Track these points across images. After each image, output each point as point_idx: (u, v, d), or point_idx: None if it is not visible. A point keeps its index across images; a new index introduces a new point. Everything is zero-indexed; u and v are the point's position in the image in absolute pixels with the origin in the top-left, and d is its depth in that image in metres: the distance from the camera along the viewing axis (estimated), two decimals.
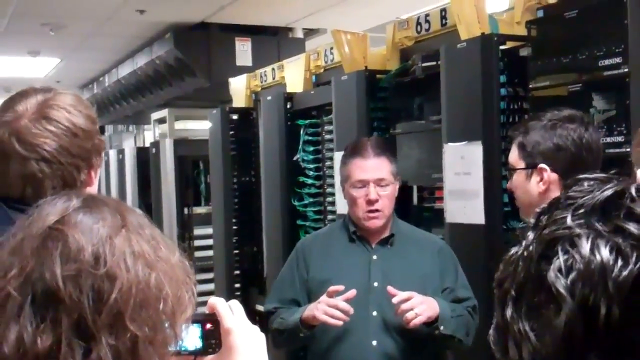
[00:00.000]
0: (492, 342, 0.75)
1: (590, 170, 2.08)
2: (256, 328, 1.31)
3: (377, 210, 2.67)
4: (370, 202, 2.66)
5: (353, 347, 2.65)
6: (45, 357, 0.91)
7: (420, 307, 2.49)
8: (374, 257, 2.72)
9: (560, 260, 0.67)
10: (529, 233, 0.73)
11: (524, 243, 0.73)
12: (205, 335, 1.27)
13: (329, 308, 2.50)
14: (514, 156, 2.16)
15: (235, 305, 1.31)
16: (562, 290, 0.65)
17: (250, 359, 1.28)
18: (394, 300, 2.50)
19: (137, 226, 1.02)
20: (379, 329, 2.64)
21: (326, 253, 2.78)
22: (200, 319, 1.26)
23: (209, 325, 1.27)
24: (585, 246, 0.66)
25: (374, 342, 2.64)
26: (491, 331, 0.76)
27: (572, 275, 0.66)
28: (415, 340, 2.62)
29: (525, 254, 0.72)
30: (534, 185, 2.10)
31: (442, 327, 2.55)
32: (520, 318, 0.69)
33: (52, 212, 0.99)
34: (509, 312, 0.71)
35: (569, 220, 0.69)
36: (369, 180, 2.67)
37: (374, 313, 2.64)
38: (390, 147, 2.93)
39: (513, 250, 0.74)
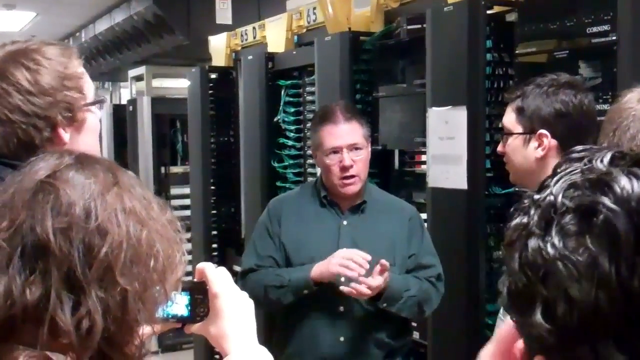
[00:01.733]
0: (509, 300, 0.73)
1: (588, 138, 2.09)
2: (244, 294, 1.31)
3: (352, 176, 2.65)
4: (344, 169, 2.64)
5: (320, 314, 2.67)
6: (34, 308, 0.92)
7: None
8: (344, 222, 2.72)
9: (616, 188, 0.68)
10: (549, 181, 0.73)
11: (549, 190, 0.72)
12: (193, 303, 1.27)
13: (345, 260, 2.51)
14: (511, 120, 2.12)
15: (223, 271, 1.30)
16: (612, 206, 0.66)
17: (238, 324, 1.28)
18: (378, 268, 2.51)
19: (128, 185, 1.02)
20: (346, 296, 2.64)
21: (297, 216, 2.77)
22: (188, 287, 1.25)
23: (197, 293, 1.27)
24: (626, 180, 0.68)
25: (341, 308, 2.66)
26: (505, 292, 0.74)
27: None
28: (381, 309, 2.65)
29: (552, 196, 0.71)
30: (532, 151, 2.07)
31: (384, 305, 2.59)
32: (554, 246, 0.67)
33: (44, 167, 1.00)
34: (536, 246, 0.69)
35: (600, 165, 0.71)
36: (341, 146, 2.64)
37: (342, 279, 2.64)
38: (359, 111, 2.88)
39: (525, 201, 0.74)
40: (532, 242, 0.69)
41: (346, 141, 2.64)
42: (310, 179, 4.12)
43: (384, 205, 2.79)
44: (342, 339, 2.65)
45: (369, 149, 2.73)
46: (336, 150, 2.64)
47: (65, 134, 1.62)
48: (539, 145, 2.06)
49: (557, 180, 0.72)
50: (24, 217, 0.94)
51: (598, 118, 2.37)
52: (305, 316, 2.69)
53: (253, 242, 2.84)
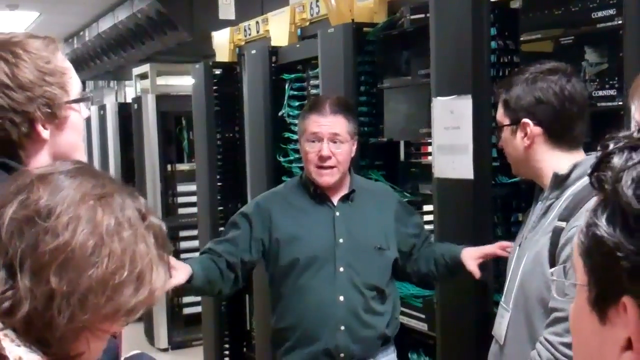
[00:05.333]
0: (616, 222, 0.74)
1: (575, 122, 2.12)
2: None
3: (329, 167, 2.67)
4: (322, 158, 2.66)
5: (320, 304, 2.69)
6: None
7: None
8: (337, 213, 2.76)
9: None
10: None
11: None
12: None
13: None
14: (500, 113, 2.17)
15: None
16: None
17: None
18: None
19: (116, 206, 1.08)
20: (346, 285, 2.69)
21: (288, 211, 2.78)
22: None
23: None
24: None
25: (341, 298, 2.68)
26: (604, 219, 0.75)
27: None
28: (379, 293, 2.74)
29: None
30: (519, 141, 2.11)
31: None
32: None
33: (48, 168, 1.10)
34: None
35: None
36: (323, 134, 2.67)
37: (341, 269, 2.68)
38: (351, 107, 2.89)
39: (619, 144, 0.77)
40: None
41: (328, 130, 2.68)
42: None
43: (370, 192, 2.86)
44: (342, 327, 2.68)
45: (353, 145, 2.78)
46: (317, 139, 2.67)
47: (44, 131, 1.57)
48: (524, 135, 2.09)
49: None
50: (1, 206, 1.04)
51: (603, 104, 2.37)
52: (305, 307, 2.71)
53: (230, 224, 2.83)
